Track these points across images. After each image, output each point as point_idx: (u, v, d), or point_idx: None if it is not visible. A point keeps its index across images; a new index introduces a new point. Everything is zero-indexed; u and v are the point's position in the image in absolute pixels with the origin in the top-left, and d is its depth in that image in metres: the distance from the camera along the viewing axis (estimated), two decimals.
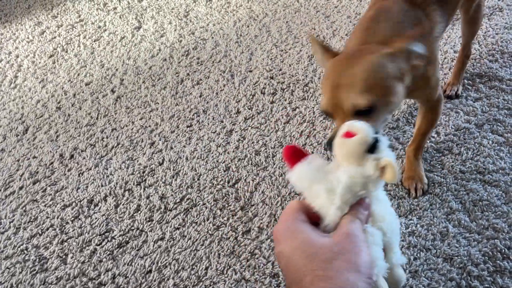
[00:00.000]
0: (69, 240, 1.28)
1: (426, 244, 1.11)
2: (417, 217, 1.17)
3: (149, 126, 1.63)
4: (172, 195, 1.36)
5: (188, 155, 1.48)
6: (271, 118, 1.56)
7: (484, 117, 1.39)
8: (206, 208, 1.30)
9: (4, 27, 2.42)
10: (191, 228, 1.26)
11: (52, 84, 1.94)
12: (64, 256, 1.25)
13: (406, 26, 0.99)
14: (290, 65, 1.77)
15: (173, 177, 1.41)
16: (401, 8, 1.03)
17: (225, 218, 1.26)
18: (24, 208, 1.40)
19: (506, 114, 1.39)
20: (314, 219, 0.56)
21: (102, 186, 1.43)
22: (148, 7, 2.37)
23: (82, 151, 1.58)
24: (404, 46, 0.88)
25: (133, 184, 1.41)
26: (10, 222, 1.36)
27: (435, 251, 1.09)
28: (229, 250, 1.18)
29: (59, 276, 1.20)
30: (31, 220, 1.36)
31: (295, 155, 0.60)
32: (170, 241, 1.23)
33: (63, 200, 1.40)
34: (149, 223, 1.29)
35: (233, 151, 1.46)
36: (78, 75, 1.97)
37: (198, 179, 1.39)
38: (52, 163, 1.55)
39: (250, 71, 1.79)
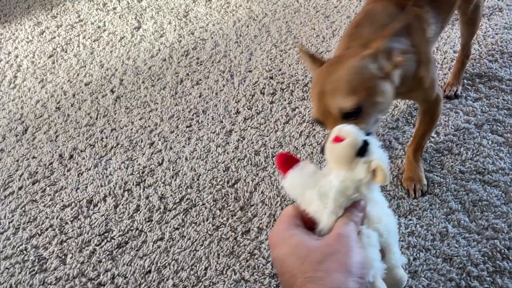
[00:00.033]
0: (68, 240, 1.28)
1: (425, 244, 1.11)
2: (417, 217, 1.17)
3: (148, 126, 1.63)
4: (171, 195, 1.36)
5: (188, 155, 1.48)
6: (270, 118, 1.56)
7: (484, 117, 1.39)
8: (206, 208, 1.30)
9: (4, 27, 2.42)
10: (190, 228, 1.26)
11: (51, 84, 1.94)
12: (63, 257, 1.24)
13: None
14: (289, 65, 1.77)
15: (172, 177, 1.41)
16: (389, 11, 1.03)
17: (225, 219, 1.26)
18: (23, 209, 1.40)
19: (505, 114, 1.39)
20: (309, 224, 0.56)
21: (101, 186, 1.43)
22: (148, 7, 2.37)
23: (81, 151, 1.58)
24: (382, 45, 0.89)
25: (133, 184, 1.41)
26: (9, 222, 1.36)
27: (434, 251, 1.09)
28: (228, 251, 1.18)
29: (58, 277, 1.19)
30: (31, 220, 1.36)
31: (287, 162, 0.61)
32: (169, 242, 1.23)
33: (62, 201, 1.40)
34: (148, 223, 1.29)
35: (233, 151, 1.46)
36: (78, 75, 1.97)
37: (198, 179, 1.39)
38: (51, 163, 1.55)
39: (250, 71, 1.79)
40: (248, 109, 1.61)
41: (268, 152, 1.43)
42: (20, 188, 1.47)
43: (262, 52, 1.88)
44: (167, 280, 1.15)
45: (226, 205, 1.30)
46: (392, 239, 0.60)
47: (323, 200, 0.55)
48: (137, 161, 1.49)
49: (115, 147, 1.57)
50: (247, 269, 1.14)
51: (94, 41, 2.18)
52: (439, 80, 1.56)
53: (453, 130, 1.37)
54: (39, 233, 1.32)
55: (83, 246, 1.26)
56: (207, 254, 1.18)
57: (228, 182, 1.36)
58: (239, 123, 1.56)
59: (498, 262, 1.05)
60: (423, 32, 1.05)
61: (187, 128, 1.59)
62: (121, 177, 1.44)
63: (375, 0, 1.12)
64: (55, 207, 1.39)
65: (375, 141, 0.59)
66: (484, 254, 1.07)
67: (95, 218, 1.33)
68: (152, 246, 1.23)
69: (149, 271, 1.17)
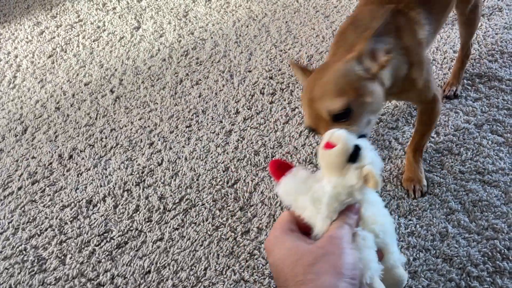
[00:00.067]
0: (68, 240, 1.28)
1: (425, 245, 1.11)
2: (417, 217, 1.17)
3: (148, 126, 1.63)
4: (171, 195, 1.35)
5: (187, 155, 1.48)
6: (270, 119, 1.55)
7: (484, 117, 1.39)
8: (205, 208, 1.30)
9: (3, 27, 2.42)
10: (190, 228, 1.25)
11: (51, 84, 1.94)
12: (62, 257, 1.24)
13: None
14: (289, 65, 1.77)
15: (172, 177, 1.41)
16: (375, 14, 1.03)
17: (224, 219, 1.26)
18: (23, 209, 1.40)
19: (505, 114, 1.38)
20: (306, 229, 0.57)
21: (101, 186, 1.43)
22: (147, 7, 2.37)
23: (81, 151, 1.57)
24: (365, 46, 0.89)
25: (132, 184, 1.41)
26: (8, 223, 1.36)
27: (434, 251, 1.09)
28: (228, 251, 1.18)
29: (57, 277, 1.19)
30: (30, 220, 1.36)
31: (280, 168, 0.61)
32: (169, 242, 1.23)
33: (62, 201, 1.40)
34: (148, 223, 1.29)
35: (232, 152, 1.46)
36: (77, 75, 1.96)
37: (197, 180, 1.39)
38: (51, 163, 1.55)
39: (249, 71, 1.79)
40: (248, 109, 1.61)
41: (268, 152, 1.43)
42: (19, 188, 1.47)
43: (262, 52, 1.87)
44: (167, 280, 1.14)
45: (225, 205, 1.30)
46: (389, 239, 0.60)
47: (316, 205, 0.56)
48: (136, 161, 1.49)
49: (114, 147, 1.57)
50: (246, 269, 1.13)
51: (93, 41, 2.17)
52: (439, 80, 1.55)
53: (453, 130, 1.37)
54: (39, 233, 1.31)
55: (83, 246, 1.26)
56: (207, 255, 1.18)
57: (227, 182, 1.36)
58: (238, 123, 1.56)
59: (498, 262, 1.05)
60: (413, 33, 1.04)
61: (187, 128, 1.59)
62: (120, 177, 1.44)
63: (364, 4, 1.13)
64: (54, 207, 1.38)
65: (367, 145, 0.59)
66: (484, 255, 1.07)
67: (95, 219, 1.33)
68: (152, 247, 1.23)
69: (149, 272, 1.17)
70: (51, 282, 1.18)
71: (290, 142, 1.45)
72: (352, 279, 0.49)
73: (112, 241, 1.26)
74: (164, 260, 1.19)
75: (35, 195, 1.44)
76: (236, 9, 2.21)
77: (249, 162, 1.41)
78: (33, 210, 1.39)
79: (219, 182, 1.37)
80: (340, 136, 0.58)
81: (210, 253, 1.18)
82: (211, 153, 1.47)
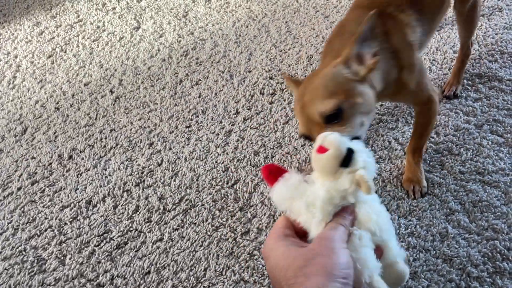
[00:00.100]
0: (67, 241, 1.28)
1: (425, 245, 1.10)
2: (417, 217, 1.17)
3: (148, 126, 1.63)
4: (170, 196, 1.35)
5: (187, 155, 1.48)
6: (270, 119, 1.55)
7: (484, 118, 1.39)
8: (205, 209, 1.30)
9: (3, 27, 2.41)
10: (190, 229, 1.25)
11: (50, 84, 1.94)
12: (62, 257, 1.24)
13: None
14: (289, 65, 1.76)
15: (171, 177, 1.41)
16: (361, 19, 1.03)
17: (224, 219, 1.26)
18: (22, 209, 1.40)
19: (505, 115, 1.38)
20: (302, 233, 0.57)
21: (100, 187, 1.42)
22: (147, 7, 2.37)
23: (80, 151, 1.57)
24: (351, 51, 0.90)
25: (132, 185, 1.41)
26: (8, 223, 1.36)
27: (434, 252, 1.09)
28: (228, 251, 1.18)
29: (57, 277, 1.19)
30: (30, 221, 1.36)
31: (273, 173, 0.61)
32: (168, 242, 1.23)
33: (61, 201, 1.40)
34: (147, 224, 1.29)
35: (232, 152, 1.46)
36: (77, 75, 1.96)
37: (197, 180, 1.39)
38: (50, 163, 1.54)
39: (249, 72, 1.78)
40: (248, 109, 1.61)
41: (268, 153, 1.43)
42: (19, 189, 1.47)
43: (262, 52, 1.87)
44: (167, 281, 1.14)
45: (225, 206, 1.29)
46: (386, 235, 0.60)
47: (310, 209, 0.56)
48: (136, 161, 1.49)
49: (114, 147, 1.56)
50: (246, 270, 1.13)
51: (93, 41, 2.17)
52: (439, 80, 1.55)
53: (453, 131, 1.37)
54: (38, 233, 1.31)
55: (82, 247, 1.26)
56: (207, 255, 1.18)
57: (227, 183, 1.36)
58: (238, 123, 1.56)
59: (498, 263, 1.05)
60: (403, 35, 1.04)
61: (187, 129, 1.59)
62: (120, 178, 1.44)
63: (353, 9, 1.13)
64: (54, 207, 1.38)
65: (361, 148, 0.59)
66: (484, 255, 1.07)
67: (94, 219, 1.33)
68: (151, 247, 1.23)
69: (148, 272, 1.17)
70: (51, 282, 1.18)
71: (290, 142, 1.45)
72: (344, 278, 0.49)
73: (112, 241, 1.26)
74: (164, 261, 1.19)
75: (35, 195, 1.44)
76: (236, 9, 2.20)
77: (249, 162, 1.41)
78: (33, 211, 1.38)
79: (219, 182, 1.37)
80: (333, 140, 0.58)
81: (210, 254, 1.18)
82: (211, 153, 1.47)
